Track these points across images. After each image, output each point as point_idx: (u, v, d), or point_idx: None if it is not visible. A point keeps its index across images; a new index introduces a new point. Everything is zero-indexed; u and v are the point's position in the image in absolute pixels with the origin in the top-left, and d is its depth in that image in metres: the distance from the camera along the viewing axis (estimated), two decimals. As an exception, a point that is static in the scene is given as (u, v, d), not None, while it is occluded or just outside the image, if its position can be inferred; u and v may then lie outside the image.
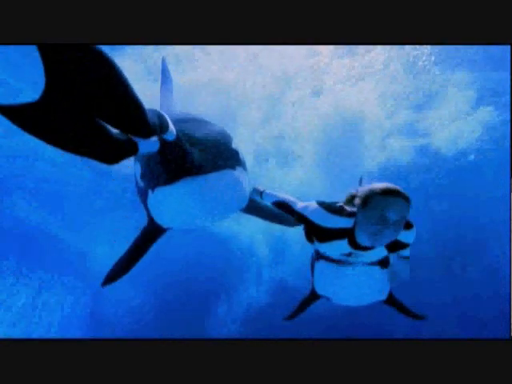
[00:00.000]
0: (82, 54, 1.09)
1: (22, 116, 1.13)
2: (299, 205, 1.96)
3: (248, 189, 2.41)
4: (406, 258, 2.06)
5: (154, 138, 1.71)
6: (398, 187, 1.58)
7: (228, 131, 2.41)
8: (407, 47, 5.09)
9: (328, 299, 2.39)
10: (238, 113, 5.33)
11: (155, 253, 2.58)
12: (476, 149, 6.34)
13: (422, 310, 2.63)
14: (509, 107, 5.47)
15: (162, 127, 1.67)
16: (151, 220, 2.36)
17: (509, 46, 3.14)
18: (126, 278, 2.53)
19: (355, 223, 1.72)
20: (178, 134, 1.81)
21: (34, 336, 7.44)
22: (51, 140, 1.26)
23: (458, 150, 6.22)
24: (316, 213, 1.83)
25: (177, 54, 4.79)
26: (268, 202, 2.37)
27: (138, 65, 4.71)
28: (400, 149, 6.18)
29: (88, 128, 1.30)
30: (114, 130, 1.45)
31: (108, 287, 2.56)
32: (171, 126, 1.75)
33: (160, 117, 1.67)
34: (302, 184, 6.46)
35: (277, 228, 3.08)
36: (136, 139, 1.58)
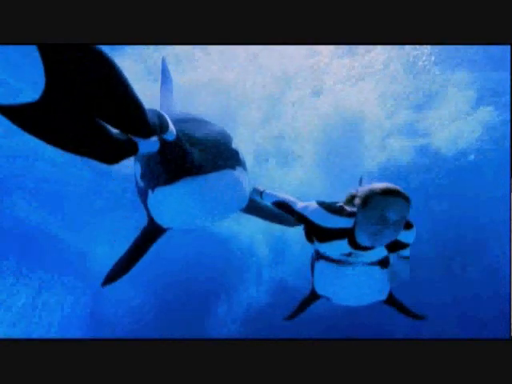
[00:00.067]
0: (82, 53, 1.09)
1: (22, 116, 1.13)
2: (299, 205, 1.96)
3: (248, 189, 2.41)
4: (406, 258, 2.06)
5: (154, 138, 1.70)
6: (397, 187, 1.58)
7: (228, 131, 2.41)
8: (407, 47, 5.09)
9: (328, 299, 2.39)
10: (238, 113, 5.33)
11: (155, 253, 2.59)
12: (476, 149, 6.34)
13: (422, 310, 2.63)
14: (509, 107, 5.47)
15: (162, 127, 1.67)
16: (151, 220, 2.36)
17: (509, 46, 3.14)
18: (125, 277, 2.53)
19: (355, 223, 1.72)
20: (178, 134, 1.81)
21: (34, 336, 7.44)
22: (51, 140, 1.25)
23: (458, 150, 6.22)
24: (316, 213, 1.83)
25: (177, 54, 4.79)
26: (268, 202, 2.36)
27: (137, 65, 4.72)
28: (400, 149, 6.18)
29: (88, 128, 1.30)
30: (114, 130, 1.45)
31: (108, 287, 2.56)
32: (171, 126, 1.75)
33: (160, 117, 1.67)
34: (302, 184, 6.46)
35: (277, 228, 3.08)
36: (136, 139, 1.58)
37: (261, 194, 2.39)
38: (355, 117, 5.64)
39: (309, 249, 2.35)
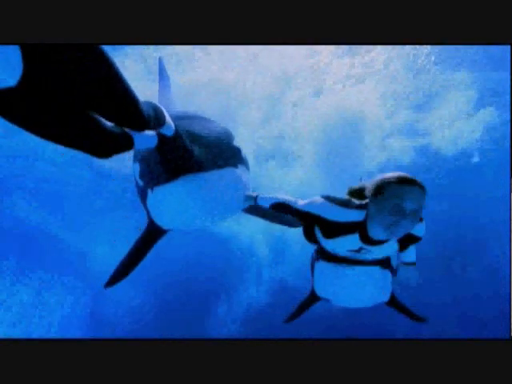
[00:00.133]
0: (71, 45, 1.05)
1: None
2: (300, 202, 1.87)
3: (251, 188, 2.38)
4: (413, 264, 1.97)
5: (152, 133, 1.65)
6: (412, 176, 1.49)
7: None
8: (407, 47, 5.09)
9: (328, 301, 2.34)
10: (238, 113, 5.33)
11: (155, 253, 2.59)
12: (476, 149, 6.34)
13: (422, 310, 2.62)
14: (509, 107, 5.47)
15: (159, 120, 1.60)
16: (151, 222, 2.34)
17: (509, 46, 3.14)
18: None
19: (367, 215, 1.62)
20: (177, 130, 1.77)
21: (34, 336, 7.44)
22: (32, 129, 1.19)
23: (458, 150, 6.23)
24: (324, 207, 1.73)
25: (177, 54, 4.80)
26: (266, 206, 2.16)
27: (137, 65, 4.72)
28: (400, 149, 6.18)
29: (78, 119, 1.24)
30: (108, 123, 1.38)
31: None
32: (168, 119, 1.69)
33: (155, 109, 1.60)
34: (301, 184, 6.47)
35: (277, 228, 3.08)
36: (131, 132, 1.51)
37: (255, 199, 2.24)
38: (355, 117, 5.65)
39: (309, 249, 2.34)
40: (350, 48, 5.17)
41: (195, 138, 2.02)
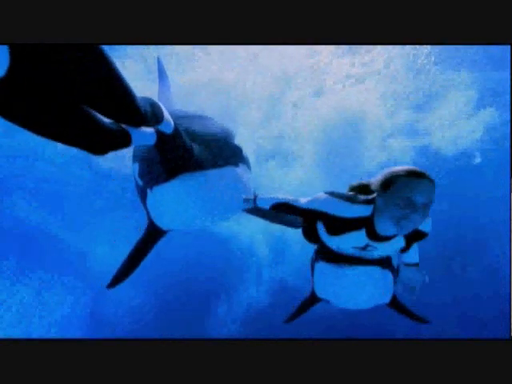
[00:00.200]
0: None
1: None
2: (302, 201, 1.82)
3: (252, 188, 2.37)
4: (415, 265, 1.92)
5: (150, 130, 1.63)
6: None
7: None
8: (407, 47, 5.09)
9: (328, 302, 2.32)
10: (238, 113, 5.33)
11: (155, 253, 2.59)
12: (476, 149, 6.34)
13: (422, 310, 2.62)
14: (509, 107, 5.47)
15: (157, 116, 1.57)
16: (151, 223, 2.34)
17: (509, 46, 3.14)
18: (126, 278, 2.55)
19: (374, 210, 1.57)
20: (177, 129, 1.76)
21: (34, 336, 7.44)
22: (32, 126, 1.16)
23: (458, 150, 6.23)
24: (329, 203, 1.67)
25: (177, 54, 4.79)
26: (266, 207, 2.07)
27: (137, 65, 4.72)
28: (400, 149, 6.18)
29: (74, 115, 1.21)
30: (106, 119, 1.36)
31: (108, 287, 2.58)
32: (167, 116, 1.66)
33: (153, 105, 1.57)
34: (301, 184, 6.47)
35: (277, 228, 3.08)
36: (128, 129, 1.49)
37: (254, 200, 2.13)
38: (355, 117, 5.65)
39: (309, 249, 2.33)
40: (350, 48, 5.17)
41: (195, 137, 2.01)
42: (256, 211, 2.66)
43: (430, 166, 6.75)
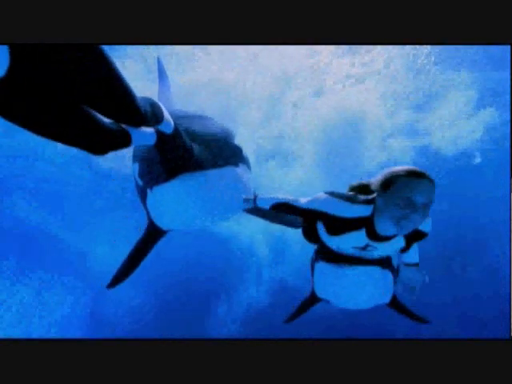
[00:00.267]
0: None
1: None
2: (302, 201, 1.82)
3: (252, 188, 2.37)
4: (416, 265, 1.92)
5: (150, 130, 1.63)
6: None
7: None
8: (407, 47, 5.09)
9: (328, 302, 2.33)
10: (238, 113, 5.33)
11: (155, 253, 2.59)
12: (476, 149, 6.34)
13: (422, 310, 2.62)
14: (509, 107, 5.47)
15: (157, 116, 1.57)
16: (151, 223, 2.34)
17: (509, 46, 3.14)
18: (126, 277, 2.55)
19: (374, 210, 1.58)
20: (177, 129, 1.76)
21: (34, 336, 7.44)
22: (31, 126, 1.16)
23: (458, 150, 6.23)
24: (330, 203, 1.68)
25: (177, 54, 4.80)
26: (266, 207, 2.06)
27: (137, 65, 4.72)
28: (400, 149, 6.19)
29: (74, 115, 1.21)
30: (105, 119, 1.35)
31: (108, 287, 2.58)
32: (167, 116, 1.66)
33: (153, 104, 1.57)
34: (301, 184, 6.47)
35: (277, 228, 3.08)
36: (128, 129, 1.49)
37: (254, 200, 2.12)
38: (355, 117, 5.65)
39: (309, 249, 2.33)
40: (350, 48, 5.17)
41: (195, 137, 2.01)
42: (256, 211, 2.66)
43: (430, 166, 6.75)
